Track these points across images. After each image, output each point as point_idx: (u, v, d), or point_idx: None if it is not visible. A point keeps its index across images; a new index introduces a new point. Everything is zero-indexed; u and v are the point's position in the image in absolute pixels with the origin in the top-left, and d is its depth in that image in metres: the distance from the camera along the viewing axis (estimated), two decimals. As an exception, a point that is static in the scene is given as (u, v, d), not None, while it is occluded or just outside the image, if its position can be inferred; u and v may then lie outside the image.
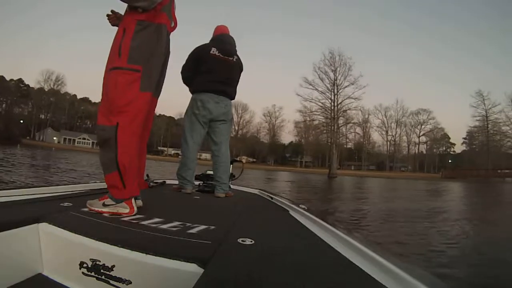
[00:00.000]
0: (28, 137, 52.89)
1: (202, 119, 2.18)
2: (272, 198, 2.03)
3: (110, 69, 1.25)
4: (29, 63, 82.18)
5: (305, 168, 50.99)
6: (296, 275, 0.66)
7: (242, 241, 0.86)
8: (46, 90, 57.80)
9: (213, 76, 2.15)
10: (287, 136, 62.73)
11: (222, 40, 2.22)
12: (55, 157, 17.75)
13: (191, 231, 0.98)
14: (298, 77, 35.59)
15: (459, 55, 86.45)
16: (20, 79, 58.55)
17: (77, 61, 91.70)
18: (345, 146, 52.43)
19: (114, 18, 1.45)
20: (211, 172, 2.50)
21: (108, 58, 1.29)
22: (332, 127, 36.40)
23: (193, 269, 0.70)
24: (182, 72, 2.27)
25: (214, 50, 2.17)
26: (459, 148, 58.62)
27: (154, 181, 2.33)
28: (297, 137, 56.15)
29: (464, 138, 54.99)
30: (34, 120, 57.00)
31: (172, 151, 56.97)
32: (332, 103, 36.82)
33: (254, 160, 57.87)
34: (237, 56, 2.27)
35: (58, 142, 54.72)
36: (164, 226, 1.02)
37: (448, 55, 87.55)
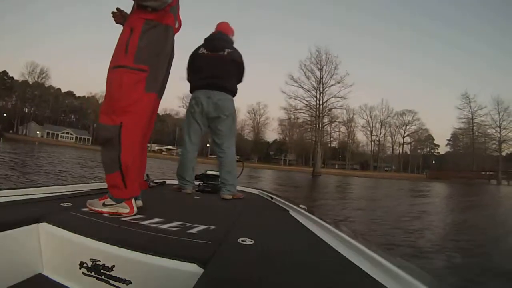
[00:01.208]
0: (11, 131, 51.76)
1: (198, 118, 2.17)
2: (272, 198, 2.04)
3: (115, 66, 1.23)
4: (14, 55, 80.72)
5: (289, 166, 50.85)
6: (296, 275, 0.66)
7: (242, 241, 0.86)
8: (31, 83, 56.65)
9: (202, 73, 2.16)
10: (271, 134, 62.51)
11: (210, 38, 2.26)
12: (41, 153, 17.01)
13: (191, 231, 0.98)
14: (283, 74, 35.54)
15: (446, 57, 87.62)
16: (5, 71, 57.16)
17: (63, 54, 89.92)
18: (329, 145, 52.69)
19: (119, 16, 1.44)
20: (211, 172, 2.53)
21: (113, 56, 1.26)
22: (317, 125, 36.39)
23: (193, 269, 0.71)
24: (187, 79, 2.31)
25: (202, 50, 2.21)
26: (443, 149, 59.61)
27: (154, 181, 2.31)
28: (281, 135, 56.26)
29: (448, 140, 56.06)
30: (18, 114, 55.99)
31: (155, 147, 56.49)
32: (318, 101, 36.92)
33: (238, 157, 57.36)
34: (231, 49, 2.23)
35: (42, 136, 53.69)
36: (164, 226, 1.01)
37: (435, 57, 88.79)
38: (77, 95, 65.01)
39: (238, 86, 2.29)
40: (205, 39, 2.26)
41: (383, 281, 0.64)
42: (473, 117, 44.97)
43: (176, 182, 2.22)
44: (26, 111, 58.15)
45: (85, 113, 62.57)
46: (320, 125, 36.88)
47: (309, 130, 39.34)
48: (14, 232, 0.87)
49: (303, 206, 1.61)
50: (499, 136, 40.50)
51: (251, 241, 0.86)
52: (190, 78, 2.26)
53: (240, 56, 2.26)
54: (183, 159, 2.19)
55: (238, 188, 2.26)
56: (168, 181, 2.49)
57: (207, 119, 2.18)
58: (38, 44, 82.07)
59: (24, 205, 1.13)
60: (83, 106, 62.81)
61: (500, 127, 40.48)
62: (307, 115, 37.74)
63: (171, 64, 1.43)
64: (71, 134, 57.95)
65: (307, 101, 37.03)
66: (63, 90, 63.69)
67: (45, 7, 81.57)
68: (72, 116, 65.87)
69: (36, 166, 9.49)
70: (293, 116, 40.81)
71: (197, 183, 2.38)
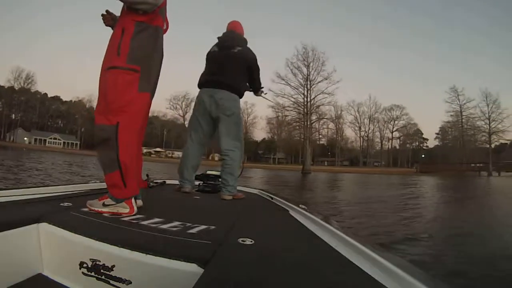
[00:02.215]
0: (-2, 138, 51.44)
1: (201, 117, 2.13)
2: (272, 198, 2.04)
3: (108, 68, 1.24)
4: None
5: (278, 165, 50.67)
6: (296, 275, 0.66)
7: (242, 241, 0.86)
8: (17, 88, 55.92)
9: (208, 70, 2.15)
10: (260, 133, 62.28)
11: (223, 36, 2.22)
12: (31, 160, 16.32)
13: (191, 231, 0.98)
14: (270, 72, 35.09)
15: (433, 51, 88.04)
16: (-11, 78, 56.63)
17: (48, 58, 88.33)
18: (318, 142, 52.63)
19: (109, 18, 1.45)
20: (211, 172, 2.52)
21: (105, 57, 1.27)
22: (305, 123, 36.04)
23: (193, 269, 0.71)
24: None
25: (214, 48, 2.19)
26: (431, 143, 59.85)
27: (154, 181, 2.30)
28: (269, 134, 56.01)
29: (437, 133, 55.98)
30: (4, 120, 55.30)
31: (144, 149, 56.17)
32: (305, 98, 36.16)
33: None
34: (243, 47, 2.16)
35: (29, 143, 52.92)
36: (164, 226, 1.01)
37: (422, 51, 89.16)
38: (64, 99, 64.31)
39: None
40: (218, 38, 2.23)
41: (383, 281, 0.64)
42: (462, 110, 45.01)
43: (176, 182, 2.21)
44: (13, 117, 57.33)
45: (72, 118, 61.85)
46: (309, 123, 36.41)
47: (297, 128, 39.17)
48: (14, 232, 0.87)
49: (303, 206, 1.60)
50: (488, 128, 40.65)
51: (251, 241, 0.86)
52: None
53: (253, 56, 2.18)
54: (183, 157, 2.17)
55: (238, 188, 2.26)
56: (168, 181, 2.48)
57: (211, 119, 2.13)
58: (23, 48, 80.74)
59: (24, 205, 1.13)
60: (70, 110, 62.03)
61: (489, 119, 40.62)
62: (295, 112, 37.14)
63: (161, 65, 1.44)
64: (58, 139, 57.15)
65: (294, 98, 35.95)
66: (49, 95, 63.05)
67: (31, 10, 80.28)
68: (60, 121, 64.94)
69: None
70: (281, 114, 40.50)
71: (197, 183, 2.37)
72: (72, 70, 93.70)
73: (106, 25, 1.47)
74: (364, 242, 0.91)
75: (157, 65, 1.38)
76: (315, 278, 0.65)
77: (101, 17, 1.46)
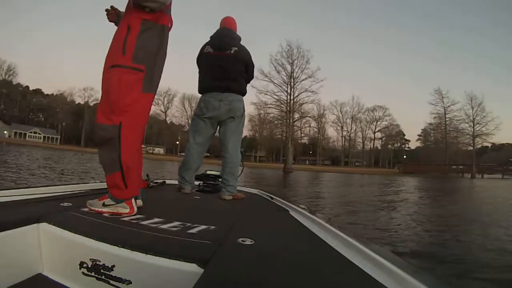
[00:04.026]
0: (-23, 132, 50.35)
1: (207, 120, 2.13)
2: (272, 198, 2.04)
3: (112, 66, 1.21)
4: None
5: (259, 163, 50.56)
6: (296, 275, 0.66)
7: (242, 241, 0.87)
8: (-3, 81, 54.96)
9: (210, 74, 2.12)
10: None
11: (216, 36, 2.19)
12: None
13: (191, 231, 0.98)
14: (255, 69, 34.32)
15: (417, 53, 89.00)
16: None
17: (31, 49, 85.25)
18: (299, 141, 52.70)
19: (113, 14, 1.42)
20: (211, 172, 2.52)
21: (109, 55, 1.24)
22: (288, 121, 35.45)
23: (193, 269, 0.71)
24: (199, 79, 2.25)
25: (207, 48, 2.16)
26: (413, 144, 60.68)
27: (154, 181, 2.28)
28: (251, 131, 55.91)
29: (419, 135, 56.49)
30: (-16, 113, 54.29)
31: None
32: (288, 96, 35.78)
33: (208, 154, 57.37)
34: (238, 47, 2.15)
35: (9, 136, 51.97)
36: (164, 226, 1.01)
37: (408, 53, 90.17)
38: (46, 92, 62.79)
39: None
40: (211, 37, 2.20)
41: (383, 281, 0.64)
42: (446, 112, 45.45)
43: (176, 182, 2.22)
44: (-7, 110, 56.43)
45: (54, 112, 60.63)
46: (291, 121, 36.13)
47: (279, 126, 39.02)
48: (14, 232, 0.87)
49: (303, 206, 1.60)
50: (473, 130, 40.71)
51: (251, 241, 0.86)
52: (200, 79, 2.20)
53: (248, 54, 2.19)
54: (185, 158, 2.17)
55: (238, 188, 2.26)
56: (168, 181, 2.48)
57: (216, 121, 2.15)
58: (4, 39, 78.95)
59: (24, 205, 1.12)
60: (51, 104, 60.58)
61: (473, 122, 40.74)
62: (277, 110, 36.81)
63: (164, 65, 1.42)
64: (39, 133, 55.81)
65: (277, 96, 36.18)
66: (31, 88, 61.86)
67: (12, 1, 78.53)
68: (41, 115, 63.50)
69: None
70: (263, 112, 40.39)
71: (197, 183, 2.37)
72: (55, 63, 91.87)
73: (110, 21, 1.44)
74: (364, 242, 0.91)
75: (161, 65, 1.35)
76: (315, 278, 0.64)
77: (105, 12, 1.43)
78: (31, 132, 55.22)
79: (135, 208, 1.21)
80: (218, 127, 2.20)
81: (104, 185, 1.44)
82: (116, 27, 1.35)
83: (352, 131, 59.35)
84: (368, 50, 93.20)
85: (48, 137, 56.87)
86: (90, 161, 16.26)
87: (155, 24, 1.27)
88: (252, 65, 2.22)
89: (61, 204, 1.19)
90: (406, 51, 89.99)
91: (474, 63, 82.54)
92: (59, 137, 57.59)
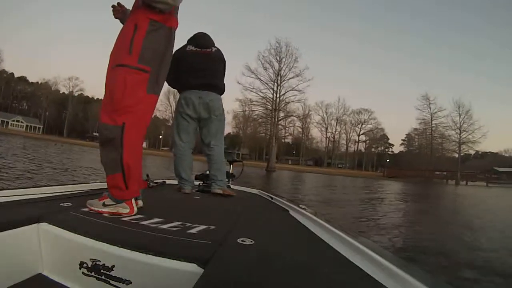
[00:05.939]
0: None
1: (188, 117, 2.15)
2: (272, 198, 2.05)
3: (118, 65, 1.19)
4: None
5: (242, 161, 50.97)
6: (296, 275, 0.66)
7: (242, 241, 0.86)
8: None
9: (193, 71, 2.12)
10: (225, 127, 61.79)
11: (196, 36, 2.24)
12: None
13: (191, 231, 0.98)
14: (240, 65, 33.99)
15: (406, 59, 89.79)
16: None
17: (17, 34, 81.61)
18: (283, 140, 52.97)
19: (119, 11, 1.40)
20: None
21: (114, 53, 1.22)
22: (273, 119, 35.34)
23: (193, 269, 0.71)
24: (167, 78, 2.23)
25: (190, 47, 2.18)
26: (397, 148, 61.49)
27: (154, 181, 2.28)
28: (235, 128, 55.91)
29: (403, 140, 57.22)
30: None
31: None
32: (275, 94, 35.64)
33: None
34: (216, 48, 2.24)
35: (-9, 124, 51.53)
36: (164, 226, 1.01)
37: (396, 57, 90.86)
38: (30, 80, 61.18)
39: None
40: (190, 39, 2.23)
41: (383, 281, 0.64)
42: (432, 118, 44.60)
43: (176, 182, 2.22)
44: (-24, 97, 55.27)
45: (38, 100, 59.19)
46: (276, 119, 35.69)
47: (263, 124, 38.57)
48: (14, 232, 0.86)
49: (303, 206, 1.62)
50: (459, 137, 41.08)
51: (251, 241, 0.86)
52: (175, 76, 2.14)
53: (223, 55, 2.27)
54: (176, 159, 2.17)
55: (238, 188, 2.31)
56: (168, 181, 2.46)
57: (198, 119, 2.17)
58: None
59: (24, 205, 1.11)
60: (36, 93, 59.10)
61: (460, 129, 41.09)
62: (262, 107, 36.58)
63: (169, 67, 1.41)
64: (21, 122, 54.63)
65: (263, 93, 35.95)
66: (16, 75, 60.58)
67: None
68: (24, 104, 61.96)
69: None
70: (248, 109, 40.12)
71: (197, 183, 2.38)
72: (43, 50, 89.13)
73: (115, 18, 1.42)
74: (364, 242, 0.92)
75: (167, 67, 1.33)
76: (315, 278, 0.65)
77: (111, 8, 1.41)
78: (13, 121, 54.16)
79: (135, 208, 1.20)
80: (199, 124, 2.23)
81: (104, 185, 1.43)
82: (121, 25, 1.34)
83: (336, 132, 60.03)
84: (357, 52, 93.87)
85: (31, 126, 55.71)
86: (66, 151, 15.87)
87: (163, 26, 1.26)
88: (225, 66, 2.31)
89: (61, 204, 1.18)
90: (394, 56, 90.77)
91: (462, 68, 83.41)
92: (41, 126, 56.44)
